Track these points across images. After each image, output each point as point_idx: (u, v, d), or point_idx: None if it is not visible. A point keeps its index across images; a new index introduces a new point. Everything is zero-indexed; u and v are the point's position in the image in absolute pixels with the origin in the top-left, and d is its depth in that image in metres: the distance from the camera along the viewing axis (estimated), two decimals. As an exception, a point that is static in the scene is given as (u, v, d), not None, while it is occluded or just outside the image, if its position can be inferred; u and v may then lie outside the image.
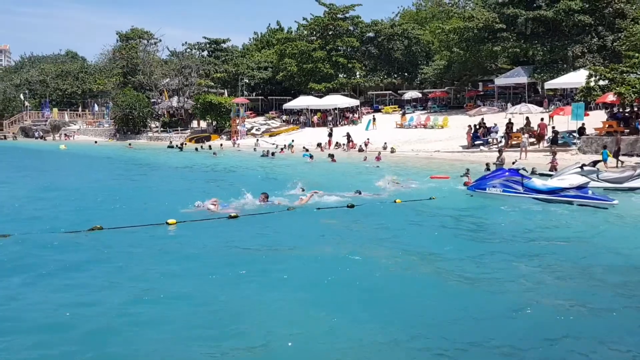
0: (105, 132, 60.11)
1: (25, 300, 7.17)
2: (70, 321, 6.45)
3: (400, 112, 50.29)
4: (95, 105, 68.67)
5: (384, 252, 9.86)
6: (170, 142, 48.18)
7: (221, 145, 44.75)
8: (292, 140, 41.50)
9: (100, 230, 10.76)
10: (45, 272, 8.32)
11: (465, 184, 17.72)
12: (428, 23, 59.93)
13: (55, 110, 66.80)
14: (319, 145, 40.12)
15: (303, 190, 15.86)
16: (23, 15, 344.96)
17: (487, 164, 22.07)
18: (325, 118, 51.63)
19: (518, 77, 45.74)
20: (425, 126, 43.95)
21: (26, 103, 68.36)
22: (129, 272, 8.51)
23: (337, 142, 40.66)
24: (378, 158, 29.91)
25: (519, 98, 45.46)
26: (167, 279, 8.16)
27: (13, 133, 64.93)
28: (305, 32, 60.97)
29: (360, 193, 16.03)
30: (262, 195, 14.10)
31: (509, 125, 32.10)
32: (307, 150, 37.76)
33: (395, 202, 14.88)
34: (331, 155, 31.16)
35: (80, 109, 69.52)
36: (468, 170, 19.74)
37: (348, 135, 40.29)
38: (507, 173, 15.81)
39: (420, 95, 55.85)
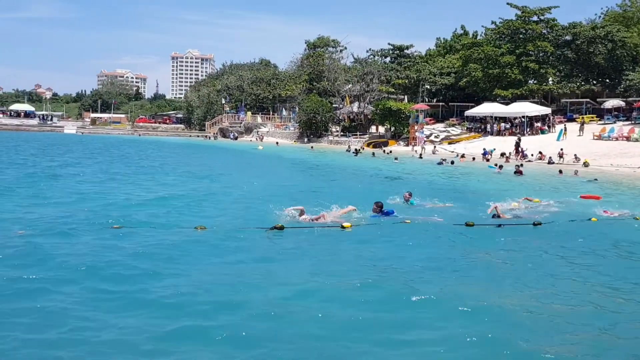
0: (291, 135, 63.67)
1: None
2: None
3: (581, 122, 45.38)
4: (284, 109, 73.22)
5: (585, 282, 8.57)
6: (349, 146, 49.31)
7: (390, 151, 44.62)
8: (494, 149, 39.45)
9: (282, 230, 11.14)
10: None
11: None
12: (636, 24, 53.27)
13: (249, 113, 72.82)
14: (502, 154, 37.85)
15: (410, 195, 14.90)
16: (227, 27, 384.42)
17: None
18: (501, 128, 48.80)
19: None
20: (628, 138, 39.02)
21: (226, 107, 75.50)
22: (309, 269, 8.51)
23: (523, 153, 38.00)
24: (577, 173, 27.03)
25: None
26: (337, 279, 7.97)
27: (213, 133, 72.16)
28: (493, 36, 58.21)
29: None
30: (375, 205, 12.94)
31: None
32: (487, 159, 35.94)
33: (590, 220, 13.16)
34: (518, 167, 29.05)
35: (271, 112, 74.73)
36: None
37: (516, 145, 37.50)
38: None
39: (623, 104, 49.74)
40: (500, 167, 29.78)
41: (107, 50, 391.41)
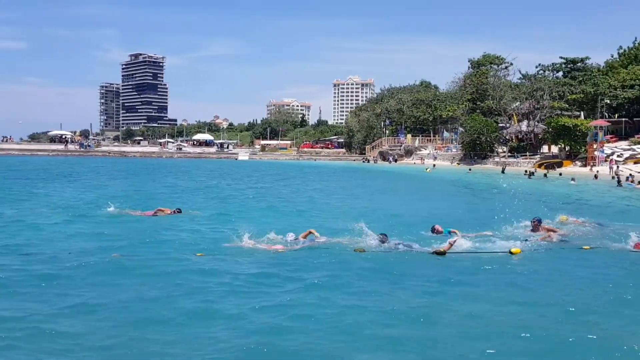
0: (453, 157, 61.88)
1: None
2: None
3: None
4: (445, 130, 71.61)
5: None
6: (503, 168, 46.79)
7: (560, 174, 40.88)
8: None
9: (444, 256, 10.67)
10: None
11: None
12: None
13: (409, 136, 72.45)
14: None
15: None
16: (387, 52, 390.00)
17: None
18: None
19: None
20: None
21: (386, 130, 76.05)
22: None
23: None
24: None
25: None
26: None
27: (374, 157, 73.00)
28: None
29: None
30: (381, 236, 11.66)
31: None
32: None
33: None
34: None
35: (431, 134, 73.57)
36: None
37: None
38: None
39: None
40: None
41: (275, 81, 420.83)
